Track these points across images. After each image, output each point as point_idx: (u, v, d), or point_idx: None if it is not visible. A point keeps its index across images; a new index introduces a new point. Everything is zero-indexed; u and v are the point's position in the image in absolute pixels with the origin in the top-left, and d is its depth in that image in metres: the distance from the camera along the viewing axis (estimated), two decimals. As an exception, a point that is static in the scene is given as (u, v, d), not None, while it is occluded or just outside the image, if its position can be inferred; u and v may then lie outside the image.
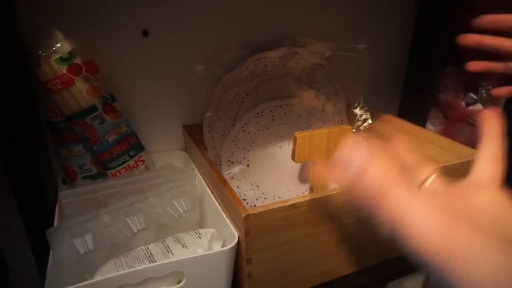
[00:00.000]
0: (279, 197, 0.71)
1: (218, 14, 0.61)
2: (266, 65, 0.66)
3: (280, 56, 0.66)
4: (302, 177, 0.73)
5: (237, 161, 0.68)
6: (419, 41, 0.78)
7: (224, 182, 0.47)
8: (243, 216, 0.40)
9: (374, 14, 0.75)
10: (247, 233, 0.42)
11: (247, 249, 0.43)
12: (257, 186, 0.70)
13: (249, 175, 0.69)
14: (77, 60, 0.51)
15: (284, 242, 0.45)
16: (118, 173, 0.58)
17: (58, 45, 0.49)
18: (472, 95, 0.76)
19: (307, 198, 0.44)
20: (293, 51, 0.67)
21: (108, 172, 0.58)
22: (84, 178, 0.58)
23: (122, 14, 0.54)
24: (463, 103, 0.77)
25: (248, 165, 0.69)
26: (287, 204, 0.42)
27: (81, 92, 0.52)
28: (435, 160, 0.61)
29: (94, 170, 0.59)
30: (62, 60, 0.50)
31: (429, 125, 0.82)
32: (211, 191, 0.53)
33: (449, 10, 0.73)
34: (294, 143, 0.59)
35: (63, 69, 0.50)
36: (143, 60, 0.58)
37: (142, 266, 0.39)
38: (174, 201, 0.49)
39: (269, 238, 0.44)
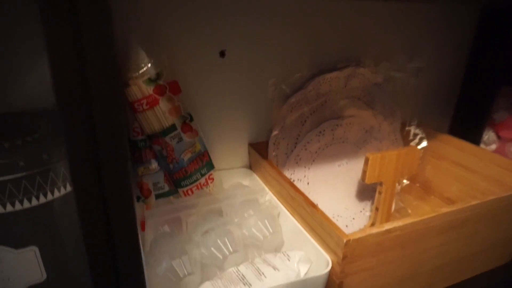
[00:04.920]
0: (338, 215, 0.71)
1: (290, 37, 0.62)
2: (330, 85, 0.67)
3: (344, 76, 0.67)
4: (359, 196, 0.74)
5: (298, 179, 0.68)
6: (475, 60, 0.78)
7: (313, 205, 0.47)
8: (344, 241, 0.41)
9: (432, 34, 0.75)
10: (344, 257, 0.42)
11: (341, 272, 0.43)
12: (317, 203, 0.70)
13: (309, 193, 0.69)
14: (163, 81, 0.52)
15: (373, 266, 0.46)
16: (189, 191, 0.59)
17: (147, 66, 0.50)
18: (528, 115, 0.76)
19: (400, 224, 0.44)
20: (356, 72, 0.68)
21: (180, 190, 0.59)
22: (157, 195, 0.59)
23: (202, 36, 0.56)
24: (518, 124, 0.77)
25: (308, 183, 0.69)
26: (383, 229, 0.43)
27: (164, 112, 0.53)
28: (507, 185, 0.61)
29: (167, 188, 0.59)
30: (150, 81, 0.51)
31: (481, 145, 0.82)
32: (289, 211, 0.53)
33: (507, 30, 0.74)
34: (366, 164, 0.60)
35: (150, 89, 0.51)
36: (218, 80, 0.59)
37: (246, 290, 0.39)
38: (259, 222, 0.49)
39: (361, 262, 0.44)
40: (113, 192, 0.29)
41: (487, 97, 0.78)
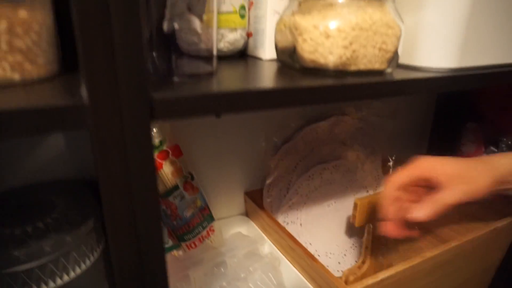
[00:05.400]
0: (330, 252, 0.76)
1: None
2: (317, 133, 0.72)
3: (329, 124, 0.73)
4: (348, 233, 0.79)
5: (291, 221, 0.73)
6: (443, 101, 0.86)
7: (313, 257, 0.52)
8: (346, 294, 0.45)
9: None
10: (345, 308, 0.46)
11: (342, 321, 0.47)
12: (310, 244, 0.74)
13: (302, 234, 0.74)
14: (166, 146, 0.56)
15: (370, 312, 0.50)
16: (192, 244, 0.62)
17: (151, 135, 0.54)
18: (492, 148, 0.84)
19: (393, 272, 0.49)
20: (339, 120, 0.74)
21: (183, 243, 0.62)
22: (161, 251, 0.61)
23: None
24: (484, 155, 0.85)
25: (301, 224, 0.73)
26: (378, 279, 0.47)
27: (167, 174, 0.56)
28: (478, 218, 0.67)
29: (170, 243, 0.62)
30: (153, 148, 0.54)
31: (454, 175, 0.89)
32: (289, 260, 0.57)
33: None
34: (355, 209, 0.65)
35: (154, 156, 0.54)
36: (215, 137, 0.63)
37: None
38: (264, 276, 0.53)
39: (360, 309, 0.48)
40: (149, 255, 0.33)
41: (455, 133, 0.86)
